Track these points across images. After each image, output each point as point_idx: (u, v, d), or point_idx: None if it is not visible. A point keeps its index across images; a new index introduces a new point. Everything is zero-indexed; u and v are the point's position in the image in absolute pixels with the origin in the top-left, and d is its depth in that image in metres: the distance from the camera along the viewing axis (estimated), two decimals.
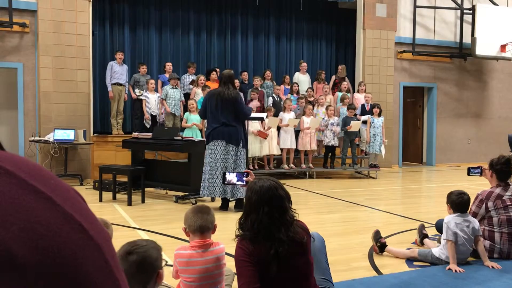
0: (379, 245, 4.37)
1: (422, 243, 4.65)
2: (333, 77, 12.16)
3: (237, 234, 2.53)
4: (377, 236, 4.43)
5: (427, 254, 4.14)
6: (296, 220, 2.56)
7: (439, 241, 4.32)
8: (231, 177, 3.36)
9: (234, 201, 6.53)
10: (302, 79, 11.57)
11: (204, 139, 8.19)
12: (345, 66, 12.30)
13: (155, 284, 2.11)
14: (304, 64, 11.78)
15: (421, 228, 4.79)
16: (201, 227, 2.74)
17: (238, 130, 6.36)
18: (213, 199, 7.06)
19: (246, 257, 2.44)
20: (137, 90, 10.00)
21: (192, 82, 10.60)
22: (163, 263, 2.26)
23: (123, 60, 10.20)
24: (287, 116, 9.96)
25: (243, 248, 2.46)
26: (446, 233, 3.98)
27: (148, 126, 9.81)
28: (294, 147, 10.12)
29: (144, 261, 2.04)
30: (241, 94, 7.51)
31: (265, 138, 9.53)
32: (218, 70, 10.86)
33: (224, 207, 6.48)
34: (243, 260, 2.44)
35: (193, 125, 9.03)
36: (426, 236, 4.72)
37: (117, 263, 0.41)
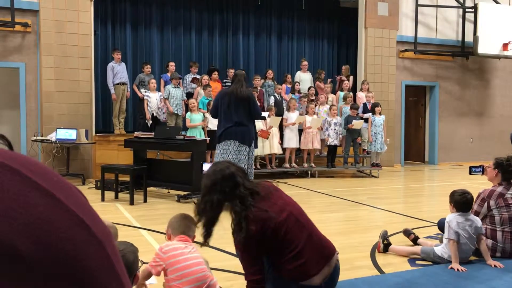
0: (385, 243, 4.36)
1: (416, 244, 4.59)
2: (338, 77, 12.16)
3: (197, 219, 2.71)
4: (385, 235, 4.43)
5: (429, 252, 4.14)
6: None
7: (441, 240, 4.31)
8: (207, 167, 3.52)
9: None
10: (304, 78, 11.57)
11: (206, 138, 8.22)
12: (348, 66, 12.30)
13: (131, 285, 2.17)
14: (305, 62, 11.76)
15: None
16: (185, 232, 2.94)
17: (250, 130, 6.31)
18: None
19: (243, 246, 2.59)
20: (143, 90, 10.02)
21: (193, 80, 10.60)
22: (139, 264, 2.30)
23: (122, 58, 10.21)
24: (293, 116, 9.96)
25: (236, 238, 2.60)
26: (448, 232, 3.97)
27: (149, 126, 9.82)
28: (298, 146, 10.14)
29: None
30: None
31: (267, 138, 9.53)
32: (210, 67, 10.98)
33: None
34: (241, 248, 2.61)
35: (199, 125, 9.05)
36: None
37: (119, 259, 0.41)
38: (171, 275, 2.73)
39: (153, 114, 9.91)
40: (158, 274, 2.81)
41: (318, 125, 10.12)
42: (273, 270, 2.66)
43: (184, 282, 2.71)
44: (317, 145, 10.28)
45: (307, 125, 10.06)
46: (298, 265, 2.58)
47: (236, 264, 3.94)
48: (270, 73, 11.22)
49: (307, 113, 10.21)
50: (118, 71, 9.88)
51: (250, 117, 6.31)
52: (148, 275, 2.82)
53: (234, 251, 4.15)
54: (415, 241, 4.64)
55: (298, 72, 11.79)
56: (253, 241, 2.54)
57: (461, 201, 4.04)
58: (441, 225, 4.51)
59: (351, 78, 11.97)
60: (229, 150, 6.22)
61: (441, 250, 4.08)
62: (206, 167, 3.56)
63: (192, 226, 2.97)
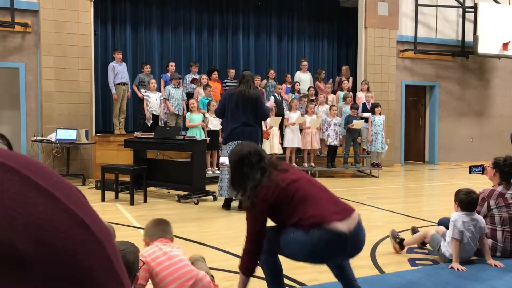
0: (398, 242, 4.36)
1: (422, 244, 4.61)
2: (338, 78, 12.15)
3: (236, 192, 2.95)
4: (394, 234, 4.42)
5: (436, 245, 4.15)
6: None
7: (442, 236, 4.31)
8: (224, 159, 3.67)
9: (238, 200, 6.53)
10: (303, 78, 11.56)
11: (207, 138, 8.22)
12: (348, 67, 12.29)
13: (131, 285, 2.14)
14: (305, 63, 11.76)
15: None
16: (162, 236, 2.89)
17: (257, 131, 6.33)
18: (215, 198, 7.06)
19: (261, 205, 2.73)
20: (142, 90, 10.02)
21: (193, 81, 10.59)
22: (140, 264, 2.29)
23: (122, 59, 10.21)
24: (294, 115, 9.96)
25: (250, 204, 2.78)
26: (453, 231, 3.95)
27: (149, 126, 9.81)
28: (300, 146, 10.14)
29: None
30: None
31: (267, 139, 9.54)
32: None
33: (227, 206, 6.47)
34: (252, 212, 2.75)
35: (199, 125, 9.03)
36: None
37: (118, 259, 0.41)
38: (156, 277, 2.69)
39: (153, 114, 9.90)
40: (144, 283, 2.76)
41: (317, 125, 10.12)
42: (296, 228, 2.69)
43: (169, 281, 2.68)
44: (317, 145, 10.28)
45: (306, 125, 10.06)
46: (317, 213, 2.66)
47: (236, 264, 3.94)
48: (272, 73, 11.22)
49: (306, 113, 10.21)
50: (119, 71, 9.88)
51: (257, 118, 6.34)
52: None
53: (234, 251, 4.16)
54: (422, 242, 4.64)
55: (298, 72, 11.78)
56: (266, 206, 2.70)
57: (466, 200, 4.02)
58: (441, 225, 4.50)
59: (351, 78, 11.98)
60: None
61: (444, 247, 4.07)
62: (223, 159, 3.68)
63: (168, 229, 2.95)
